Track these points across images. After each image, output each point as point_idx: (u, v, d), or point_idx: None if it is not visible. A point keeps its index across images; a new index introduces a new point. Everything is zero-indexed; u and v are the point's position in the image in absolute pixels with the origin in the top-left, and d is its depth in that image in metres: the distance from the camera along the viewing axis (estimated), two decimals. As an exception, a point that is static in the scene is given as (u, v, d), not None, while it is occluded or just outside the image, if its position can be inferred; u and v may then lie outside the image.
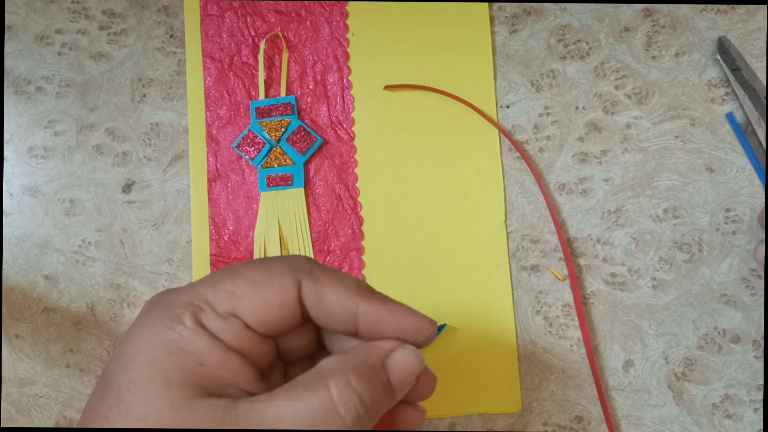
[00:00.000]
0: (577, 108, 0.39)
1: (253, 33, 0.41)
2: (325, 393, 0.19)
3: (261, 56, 0.41)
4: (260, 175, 0.40)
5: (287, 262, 0.22)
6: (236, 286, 0.21)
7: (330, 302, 0.22)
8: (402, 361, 0.21)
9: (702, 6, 0.39)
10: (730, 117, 0.37)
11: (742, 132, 0.36)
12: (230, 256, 0.40)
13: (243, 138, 0.40)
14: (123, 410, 0.19)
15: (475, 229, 0.39)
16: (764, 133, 0.37)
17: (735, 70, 0.37)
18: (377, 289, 0.23)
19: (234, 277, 0.21)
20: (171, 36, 0.42)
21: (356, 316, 0.22)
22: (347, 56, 0.41)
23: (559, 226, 0.38)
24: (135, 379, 0.19)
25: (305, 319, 0.23)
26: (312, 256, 0.39)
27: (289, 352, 0.23)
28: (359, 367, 0.20)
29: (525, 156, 0.39)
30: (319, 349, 0.24)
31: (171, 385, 0.19)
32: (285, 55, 0.41)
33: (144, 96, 0.41)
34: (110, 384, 0.19)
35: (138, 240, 0.40)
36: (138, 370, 0.19)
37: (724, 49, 0.37)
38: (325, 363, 0.20)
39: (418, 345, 0.22)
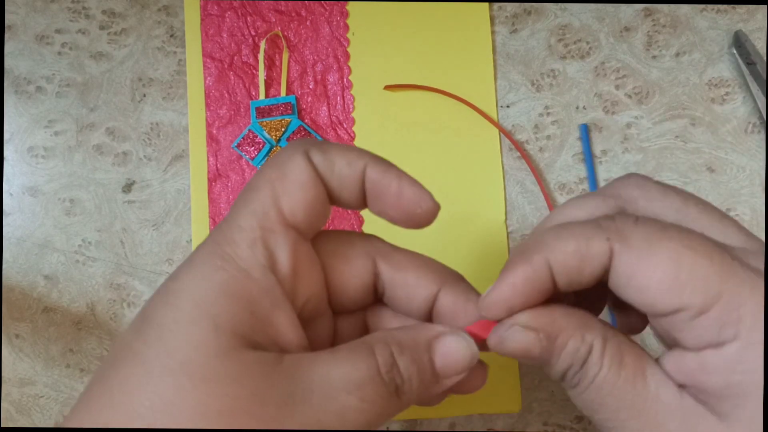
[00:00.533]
0: (577, 108, 0.39)
1: (253, 33, 0.41)
2: (372, 359, 0.18)
3: (261, 56, 0.41)
4: (260, 174, 0.40)
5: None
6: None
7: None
8: (449, 346, 0.20)
9: (702, 6, 0.39)
10: (583, 129, 0.38)
11: (588, 143, 0.37)
12: (230, 255, 0.40)
13: (243, 138, 0.40)
14: (163, 351, 0.17)
15: (476, 228, 0.39)
16: None
17: (750, 64, 0.37)
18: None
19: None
20: (171, 36, 0.42)
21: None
22: (347, 56, 0.41)
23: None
24: (179, 318, 0.17)
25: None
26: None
27: (345, 298, 0.22)
28: (404, 342, 0.19)
29: (525, 156, 0.39)
30: (372, 303, 0.23)
31: (218, 330, 0.17)
32: (285, 55, 0.41)
33: (144, 96, 0.41)
34: (149, 319, 0.18)
35: (138, 240, 0.40)
36: (184, 309, 0.17)
37: (740, 43, 0.37)
38: (371, 335, 0.20)
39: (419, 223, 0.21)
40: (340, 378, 0.18)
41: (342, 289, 0.22)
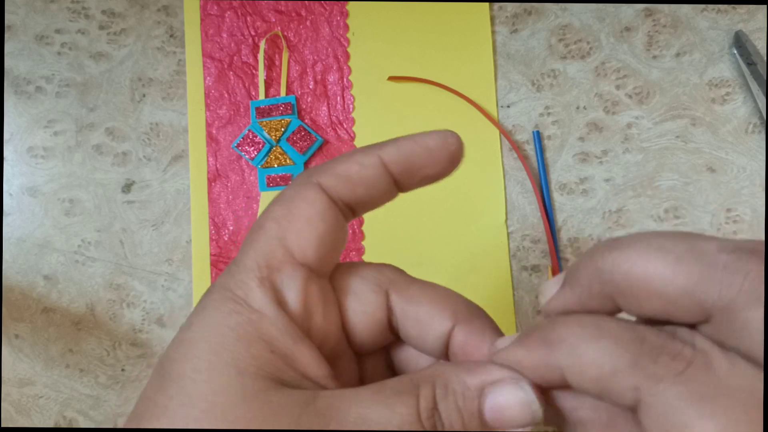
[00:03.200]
0: (577, 108, 0.39)
1: (253, 32, 0.41)
2: (413, 401, 0.17)
3: (261, 56, 0.41)
4: (260, 175, 0.40)
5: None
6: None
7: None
8: (504, 399, 0.17)
9: (703, 6, 0.39)
10: (536, 135, 0.38)
11: (541, 150, 0.37)
12: (230, 256, 0.40)
13: (243, 138, 0.40)
14: (186, 401, 0.16)
15: (476, 229, 0.39)
16: None
17: (750, 64, 0.37)
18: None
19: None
20: (171, 36, 0.42)
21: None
22: (347, 56, 0.41)
23: (550, 230, 0.38)
24: (200, 368, 0.17)
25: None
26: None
27: (359, 336, 0.21)
28: (451, 383, 0.18)
29: (522, 157, 0.39)
30: (394, 341, 0.22)
31: (243, 374, 0.16)
32: (285, 55, 0.41)
33: (144, 96, 0.41)
34: (170, 373, 0.17)
35: (138, 240, 0.40)
36: (203, 358, 0.17)
37: (740, 43, 0.37)
38: (421, 371, 0.18)
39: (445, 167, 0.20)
40: (377, 420, 0.16)
41: (355, 327, 0.21)
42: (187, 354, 0.17)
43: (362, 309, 0.20)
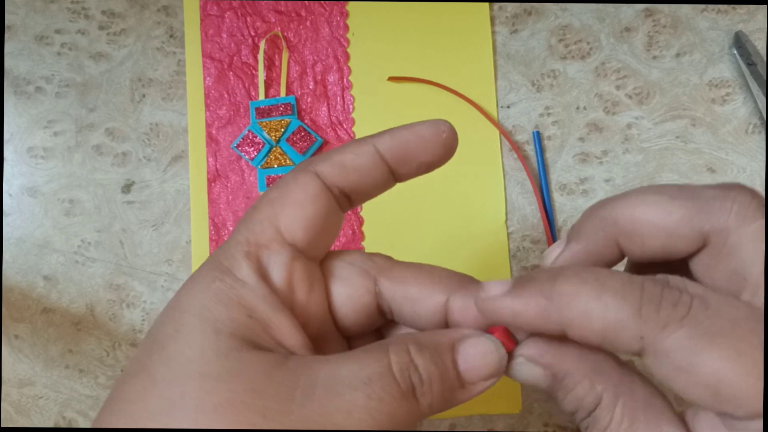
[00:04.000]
0: (578, 108, 0.39)
1: (253, 33, 0.41)
2: (384, 356, 0.18)
3: (261, 56, 0.41)
4: (260, 175, 0.40)
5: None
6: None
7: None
8: (475, 349, 0.18)
9: (703, 6, 0.39)
10: (536, 135, 0.38)
11: (541, 150, 0.37)
12: (230, 256, 0.40)
13: (243, 138, 0.40)
14: (165, 357, 0.17)
15: (476, 229, 0.39)
16: None
17: (751, 65, 0.37)
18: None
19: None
20: (171, 36, 0.42)
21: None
22: (347, 56, 0.41)
23: (550, 230, 0.38)
24: (181, 328, 0.18)
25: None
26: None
27: (346, 320, 0.21)
28: (423, 342, 0.18)
29: (522, 157, 0.39)
30: (385, 323, 0.23)
31: (219, 333, 0.17)
32: (285, 55, 0.41)
33: (144, 96, 0.41)
34: (154, 335, 0.18)
35: (138, 240, 0.40)
36: (185, 319, 0.18)
37: (740, 43, 0.37)
38: (390, 337, 0.19)
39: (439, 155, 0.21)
40: (347, 374, 0.17)
41: (341, 310, 0.21)
42: (172, 317, 0.18)
43: (348, 292, 0.21)
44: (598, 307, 0.16)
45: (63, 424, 0.40)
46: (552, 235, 0.38)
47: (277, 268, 0.19)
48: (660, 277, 0.17)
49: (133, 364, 0.18)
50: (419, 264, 0.22)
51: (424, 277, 0.21)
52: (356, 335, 0.22)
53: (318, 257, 0.21)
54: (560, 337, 0.18)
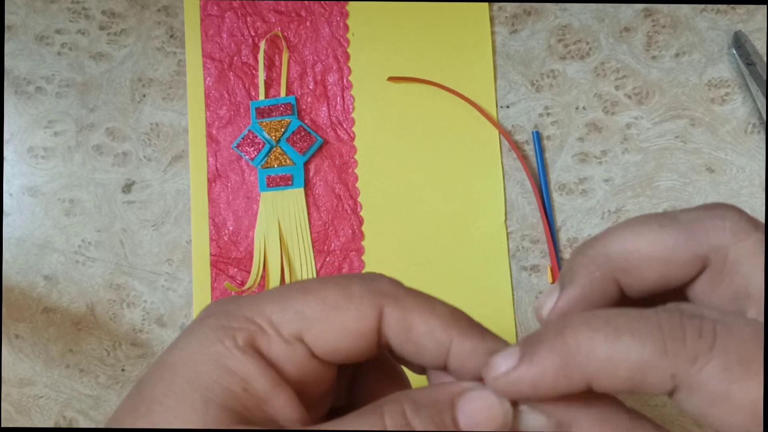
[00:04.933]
0: (577, 108, 0.39)
1: (253, 33, 0.41)
2: (378, 420, 0.16)
3: (261, 56, 0.41)
4: (260, 175, 0.40)
5: (369, 283, 0.19)
6: (307, 307, 0.18)
7: (420, 334, 0.18)
8: (476, 404, 0.17)
9: (702, 6, 0.39)
10: (535, 135, 0.38)
11: (540, 150, 0.37)
12: (230, 256, 0.40)
13: (243, 138, 0.40)
14: (149, 423, 0.16)
15: (476, 229, 0.39)
16: None
17: (750, 65, 0.37)
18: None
19: (305, 296, 0.18)
20: (171, 36, 0.42)
21: (448, 352, 0.18)
22: (347, 56, 0.41)
23: (549, 230, 0.38)
24: (170, 392, 0.17)
25: (381, 349, 0.19)
26: (312, 257, 0.39)
27: (346, 355, 0.20)
28: (420, 400, 0.17)
29: (521, 157, 0.39)
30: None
31: (208, 405, 0.16)
32: (285, 55, 0.41)
33: (144, 96, 0.41)
34: (142, 393, 0.17)
35: (138, 240, 0.40)
36: (175, 383, 0.17)
37: (739, 43, 0.37)
38: (385, 397, 0.18)
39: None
40: None
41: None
42: (162, 377, 0.17)
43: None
44: (620, 352, 0.15)
45: (63, 424, 0.40)
46: (551, 235, 0.38)
47: (290, 364, 0.18)
48: (671, 306, 0.16)
49: (116, 423, 0.17)
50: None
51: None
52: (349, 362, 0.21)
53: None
54: None
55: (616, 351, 0.15)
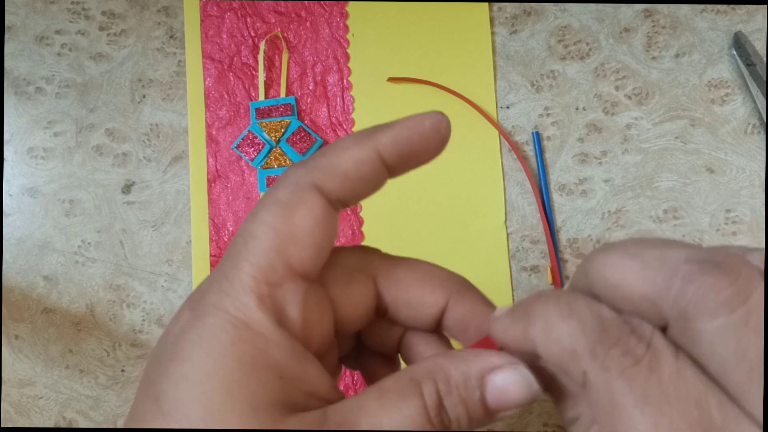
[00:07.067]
0: (577, 109, 0.39)
1: (253, 34, 0.41)
2: (420, 401, 0.17)
3: (261, 57, 0.41)
4: (260, 175, 0.40)
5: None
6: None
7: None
8: (504, 384, 0.18)
9: (702, 6, 0.39)
10: (535, 136, 0.38)
11: (540, 150, 0.37)
12: (230, 256, 0.40)
13: (243, 139, 0.40)
14: None
15: (475, 229, 0.39)
16: None
17: (750, 65, 0.37)
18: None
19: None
20: (171, 37, 0.42)
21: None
22: (347, 57, 0.41)
23: (549, 231, 0.38)
24: (213, 410, 0.16)
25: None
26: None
27: (348, 327, 0.21)
28: (452, 377, 0.18)
29: (521, 158, 0.39)
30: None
31: (257, 410, 0.16)
32: (285, 56, 0.41)
33: (144, 97, 0.41)
34: (173, 415, 0.16)
35: (138, 241, 0.40)
36: (215, 399, 0.16)
37: (739, 44, 0.37)
38: (417, 366, 0.18)
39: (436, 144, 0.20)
40: (390, 427, 0.17)
41: (345, 319, 0.20)
42: (194, 393, 0.16)
43: (350, 300, 0.20)
44: (561, 333, 0.16)
45: (63, 425, 0.40)
46: (551, 235, 0.38)
47: (295, 310, 0.18)
48: (635, 320, 0.16)
49: None
50: (417, 262, 0.21)
51: (425, 279, 0.20)
52: (348, 334, 0.22)
53: (318, 273, 0.20)
54: None
55: (558, 329, 0.16)
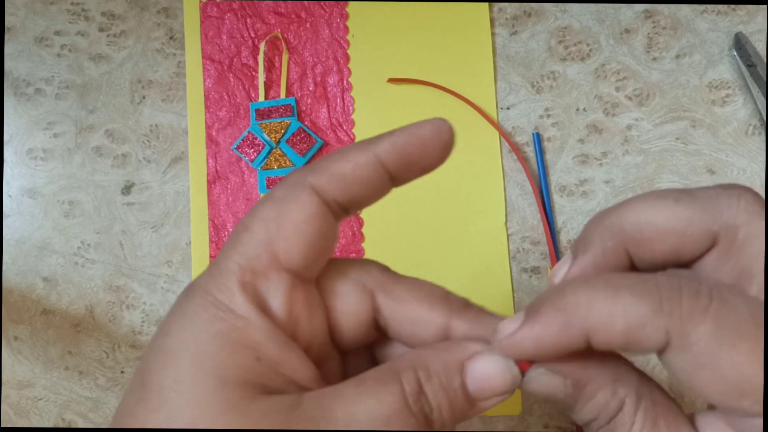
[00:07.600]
0: (577, 110, 0.39)
1: (252, 34, 0.41)
2: (398, 388, 0.17)
3: (261, 58, 0.41)
4: (260, 176, 0.40)
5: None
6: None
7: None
8: (484, 369, 0.18)
9: (702, 7, 0.39)
10: (535, 137, 0.38)
11: (540, 151, 0.37)
12: (230, 258, 0.40)
13: (243, 140, 0.40)
14: (168, 415, 0.16)
15: (476, 231, 0.39)
16: None
17: (751, 66, 0.37)
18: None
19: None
20: (171, 38, 0.42)
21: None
22: (347, 58, 0.41)
23: (550, 232, 0.38)
24: (181, 378, 0.16)
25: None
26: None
27: (344, 337, 0.21)
28: (431, 365, 0.18)
29: (521, 159, 0.39)
30: (379, 338, 0.22)
31: (225, 384, 0.16)
32: (285, 57, 0.41)
33: (143, 98, 0.41)
34: (149, 384, 0.17)
35: (137, 242, 0.40)
36: (184, 368, 0.16)
37: (740, 45, 0.37)
38: (399, 358, 0.18)
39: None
40: (366, 414, 0.16)
41: (341, 329, 0.20)
42: (167, 364, 0.17)
43: (348, 310, 0.20)
44: (617, 308, 0.16)
45: (62, 426, 0.40)
46: (552, 236, 0.38)
47: (277, 300, 0.18)
48: (671, 271, 0.17)
49: (127, 416, 0.16)
50: (418, 281, 0.21)
51: (425, 298, 0.20)
52: (352, 350, 0.22)
53: (314, 276, 0.20)
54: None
55: (614, 307, 0.16)
